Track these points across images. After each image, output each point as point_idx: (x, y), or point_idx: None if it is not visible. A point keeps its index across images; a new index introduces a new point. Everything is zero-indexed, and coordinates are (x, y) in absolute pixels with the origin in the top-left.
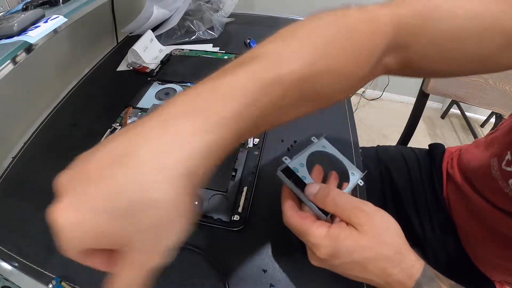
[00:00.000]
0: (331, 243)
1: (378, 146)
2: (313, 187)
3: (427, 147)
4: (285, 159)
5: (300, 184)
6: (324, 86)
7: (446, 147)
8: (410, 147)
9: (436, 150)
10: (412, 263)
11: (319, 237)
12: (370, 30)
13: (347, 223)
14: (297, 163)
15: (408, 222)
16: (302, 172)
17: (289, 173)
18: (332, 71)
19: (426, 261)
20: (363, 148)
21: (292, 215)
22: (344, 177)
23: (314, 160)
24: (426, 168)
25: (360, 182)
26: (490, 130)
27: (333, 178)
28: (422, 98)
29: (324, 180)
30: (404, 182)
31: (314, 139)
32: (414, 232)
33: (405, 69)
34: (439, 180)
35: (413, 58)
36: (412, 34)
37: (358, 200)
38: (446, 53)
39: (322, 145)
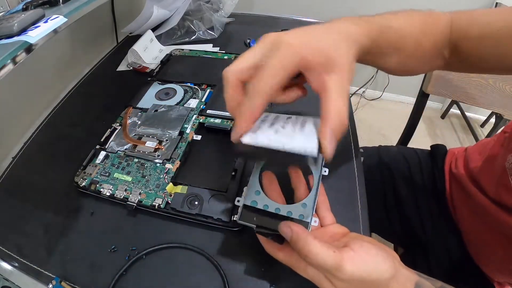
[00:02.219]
0: (311, 280)
1: (380, 146)
2: (285, 232)
3: (428, 148)
4: (237, 201)
5: (268, 222)
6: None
7: (447, 148)
8: (412, 148)
9: (438, 151)
10: None
11: (302, 272)
12: (442, 26)
13: None
14: (251, 195)
15: (409, 222)
16: (262, 200)
17: (249, 215)
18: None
19: (427, 261)
20: (364, 148)
21: (270, 248)
22: (306, 170)
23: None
24: (428, 169)
25: (325, 171)
26: (490, 130)
27: (303, 188)
28: (422, 98)
29: (286, 187)
30: (406, 183)
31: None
32: (415, 233)
33: (457, 63)
34: (441, 181)
35: (461, 55)
36: (460, 36)
37: (326, 256)
38: (484, 52)
39: None
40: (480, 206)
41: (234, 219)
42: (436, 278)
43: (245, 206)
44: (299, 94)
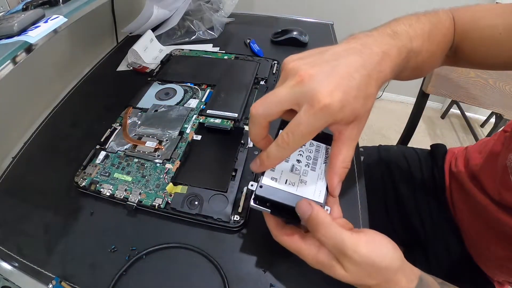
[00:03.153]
0: (319, 267)
1: (379, 145)
2: (304, 210)
3: (428, 147)
4: (251, 185)
5: (281, 208)
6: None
7: (447, 147)
8: (412, 147)
9: (438, 150)
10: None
11: (311, 258)
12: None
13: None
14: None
15: (409, 221)
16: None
17: (263, 200)
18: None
19: (426, 260)
20: (364, 147)
21: (279, 235)
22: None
23: None
24: (428, 168)
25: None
26: (490, 130)
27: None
28: (422, 98)
29: None
30: (406, 182)
31: None
32: (415, 232)
33: (458, 60)
34: (441, 180)
35: (463, 54)
36: (462, 37)
37: (344, 235)
38: (485, 52)
39: None
40: (479, 205)
41: (234, 219)
42: (436, 276)
43: (256, 197)
44: None
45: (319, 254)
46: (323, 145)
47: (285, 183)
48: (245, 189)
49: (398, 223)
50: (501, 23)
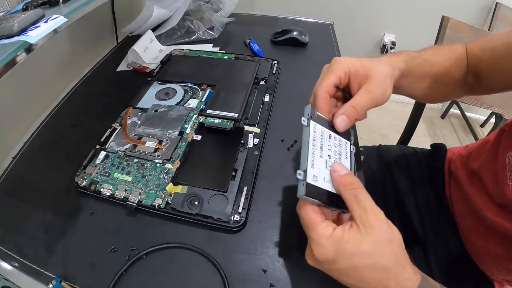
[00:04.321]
0: (333, 246)
1: (379, 145)
2: (341, 169)
3: (428, 147)
4: (299, 174)
5: (329, 198)
6: (442, 75)
7: (447, 147)
8: (412, 147)
9: (438, 150)
10: (409, 276)
11: (323, 237)
12: (460, 53)
13: (352, 224)
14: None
15: (409, 221)
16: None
17: (313, 190)
18: (445, 67)
19: (426, 260)
20: (364, 147)
21: (305, 207)
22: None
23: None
24: (427, 167)
25: (352, 148)
26: (490, 130)
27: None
28: None
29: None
30: (406, 181)
31: (303, 121)
32: (415, 231)
33: (480, 87)
34: (441, 179)
35: (481, 78)
36: (476, 61)
37: (375, 205)
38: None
39: (313, 126)
40: (476, 204)
41: (234, 219)
42: (436, 276)
43: (308, 186)
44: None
45: (335, 232)
46: (344, 141)
47: (323, 180)
48: (245, 189)
49: (398, 223)
50: (502, 44)
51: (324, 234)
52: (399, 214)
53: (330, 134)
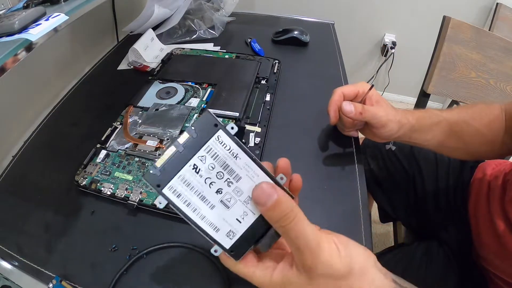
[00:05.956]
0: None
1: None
2: (263, 201)
3: None
4: (215, 252)
5: (255, 234)
6: (465, 133)
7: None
8: None
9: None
10: None
11: (263, 284)
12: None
13: (292, 264)
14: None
15: (426, 218)
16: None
17: (238, 247)
18: (471, 126)
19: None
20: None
21: (232, 266)
22: None
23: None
24: (455, 174)
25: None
26: None
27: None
28: (422, 98)
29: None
30: (431, 181)
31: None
32: (430, 229)
33: None
34: (465, 191)
35: None
36: None
37: (312, 236)
38: None
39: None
40: (498, 229)
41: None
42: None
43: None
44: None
45: (274, 275)
46: (215, 149)
47: (241, 221)
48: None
49: (414, 217)
50: None
51: (263, 282)
52: (417, 210)
53: (193, 165)
